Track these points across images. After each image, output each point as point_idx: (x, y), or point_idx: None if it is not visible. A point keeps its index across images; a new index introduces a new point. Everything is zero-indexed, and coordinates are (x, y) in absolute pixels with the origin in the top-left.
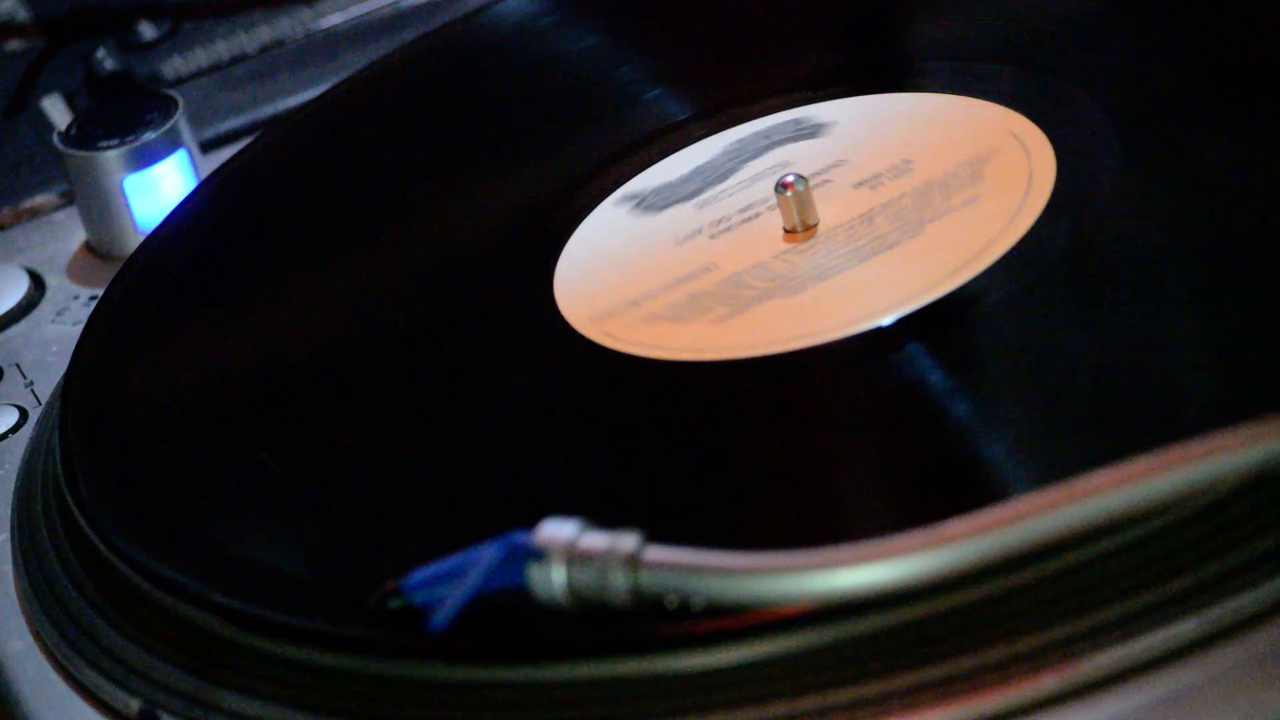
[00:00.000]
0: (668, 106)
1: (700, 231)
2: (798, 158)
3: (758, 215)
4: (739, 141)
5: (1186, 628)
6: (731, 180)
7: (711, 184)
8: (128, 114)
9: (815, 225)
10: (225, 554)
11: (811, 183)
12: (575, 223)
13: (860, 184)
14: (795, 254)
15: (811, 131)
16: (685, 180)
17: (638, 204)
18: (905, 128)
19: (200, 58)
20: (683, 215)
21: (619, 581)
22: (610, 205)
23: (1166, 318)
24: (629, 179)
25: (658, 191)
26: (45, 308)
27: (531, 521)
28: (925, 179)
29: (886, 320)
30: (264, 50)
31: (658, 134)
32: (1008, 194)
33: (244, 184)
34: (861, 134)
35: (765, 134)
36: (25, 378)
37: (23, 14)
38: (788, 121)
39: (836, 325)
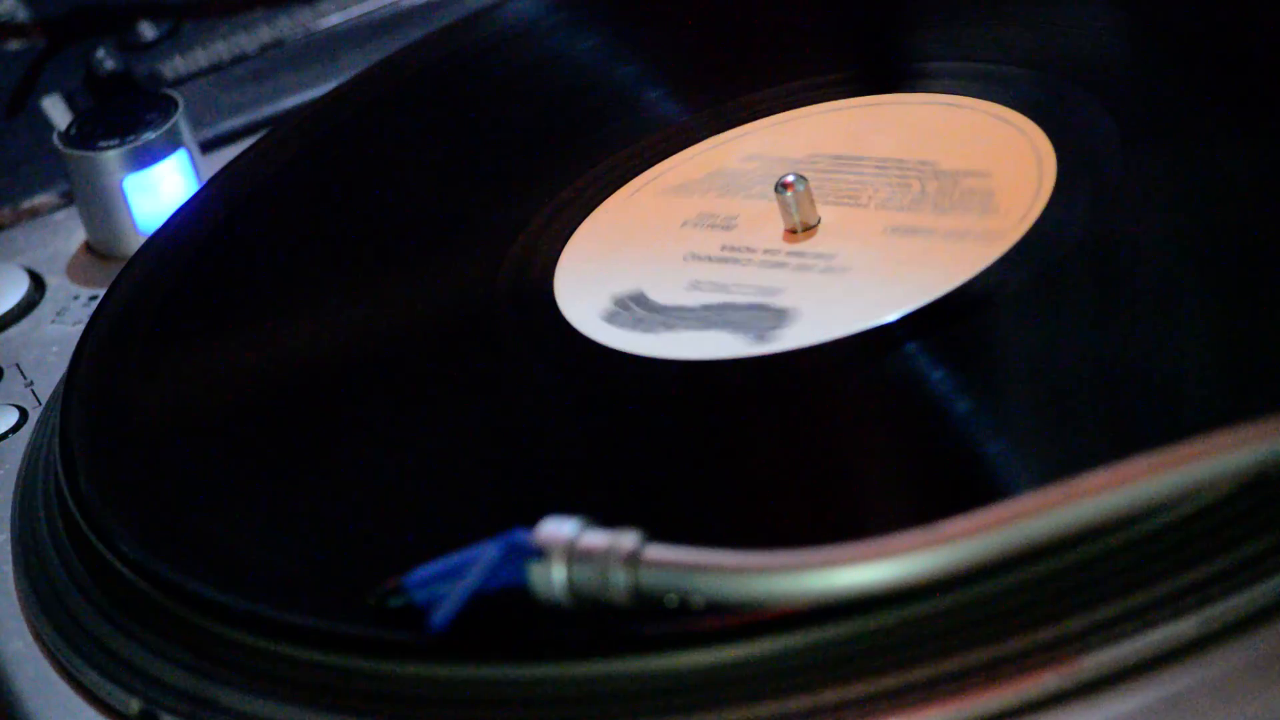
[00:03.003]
0: (669, 107)
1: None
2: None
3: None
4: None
5: (1186, 628)
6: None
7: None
8: (128, 114)
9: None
10: (225, 554)
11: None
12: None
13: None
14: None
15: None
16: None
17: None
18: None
19: (200, 58)
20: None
21: (619, 580)
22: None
23: (1167, 317)
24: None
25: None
26: (45, 308)
27: (532, 520)
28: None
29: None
30: (264, 50)
31: (657, 135)
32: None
33: (245, 185)
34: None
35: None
36: (25, 378)
37: (23, 14)
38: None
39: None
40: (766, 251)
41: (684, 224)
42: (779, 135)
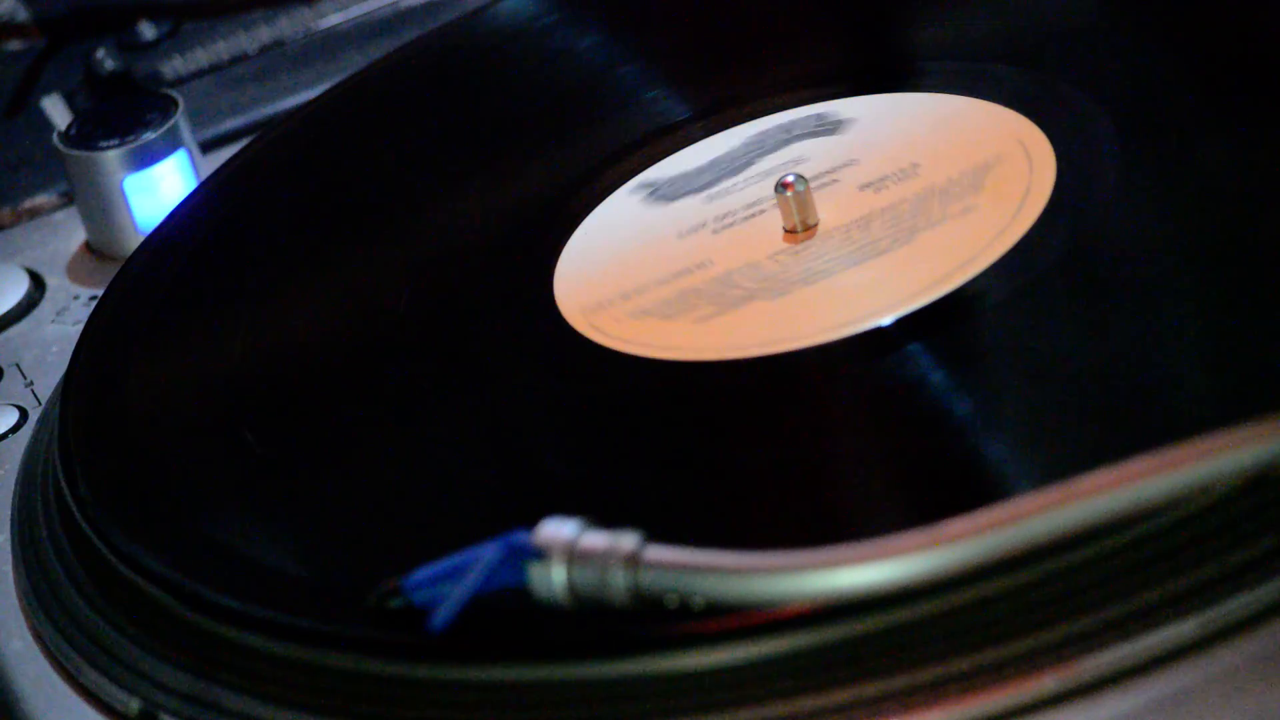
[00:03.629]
0: (668, 106)
1: (704, 225)
2: (813, 154)
3: (762, 212)
4: (761, 134)
5: (1186, 628)
6: (744, 174)
7: (726, 176)
8: (128, 114)
9: (815, 225)
10: (225, 554)
11: (819, 181)
12: (576, 222)
13: (865, 186)
14: (788, 255)
15: (831, 128)
16: (701, 171)
17: (651, 193)
18: (916, 129)
19: (200, 58)
20: (692, 207)
21: (619, 581)
22: (624, 194)
23: (1166, 318)
24: (628, 179)
25: (673, 181)
26: (45, 308)
27: (532, 521)
28: (928, 185)
29: (884, 320)
30: (264, 50)
31: (658, 134)
32: (1004, 201)
33: (244, 184)
34: (877, 134)
35: (787, 128)
36: (25, 378)
37: (23, 14)
38: (810, 116)
39: (818, 329)
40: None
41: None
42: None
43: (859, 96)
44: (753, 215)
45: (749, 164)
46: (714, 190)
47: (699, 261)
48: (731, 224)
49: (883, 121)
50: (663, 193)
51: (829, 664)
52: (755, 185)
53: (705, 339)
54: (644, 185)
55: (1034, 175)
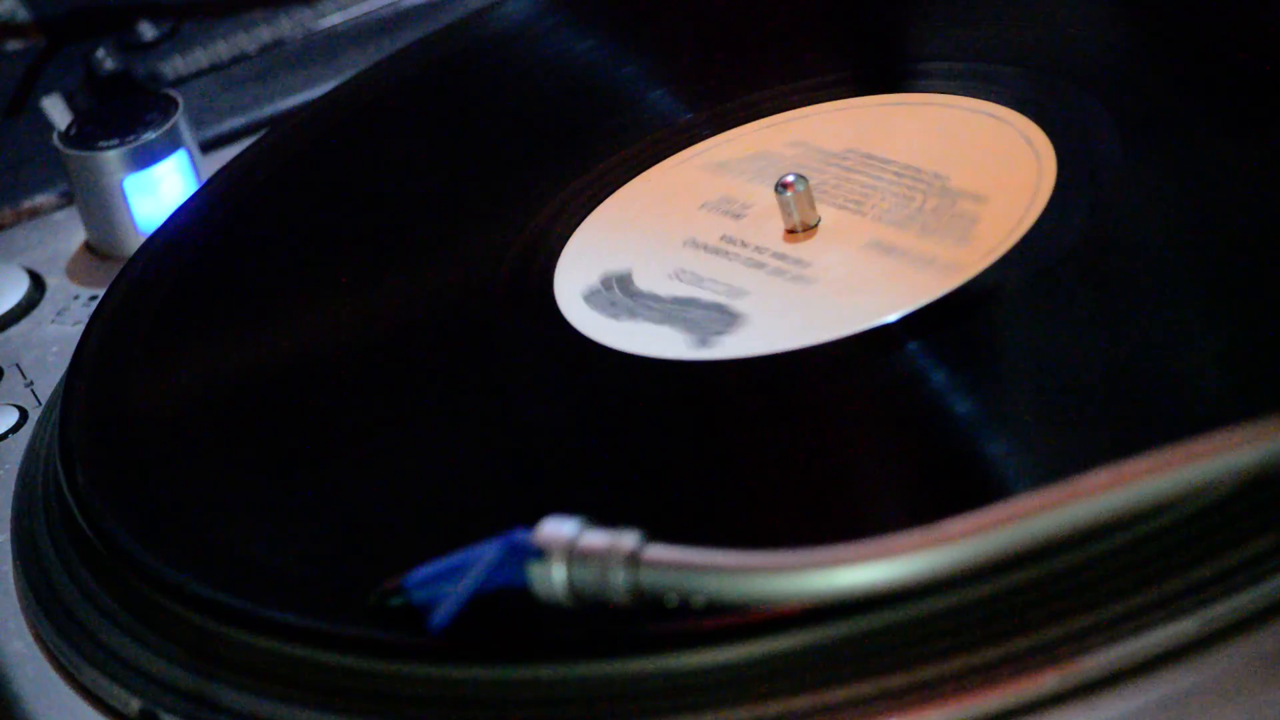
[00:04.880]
0: (668, 107)
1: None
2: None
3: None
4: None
5: (1186, 628)
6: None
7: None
8: (128, 114)
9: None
10: (225, 554)
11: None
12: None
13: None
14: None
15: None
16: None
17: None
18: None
19: (200, 58)
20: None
21: (619, 580)
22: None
23: (1167, 317)
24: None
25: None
26: (45, 308)
27: (532, 520)
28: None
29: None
30: (264, 50)
31: (656, 135)
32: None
33: (245, 185)
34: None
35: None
36: (25, 378)
37: (23, 14)
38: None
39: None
40: (756, 249)
41: (703, 205)
42: (824, 125)
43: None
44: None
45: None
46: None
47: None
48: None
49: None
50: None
51: (829, 663)
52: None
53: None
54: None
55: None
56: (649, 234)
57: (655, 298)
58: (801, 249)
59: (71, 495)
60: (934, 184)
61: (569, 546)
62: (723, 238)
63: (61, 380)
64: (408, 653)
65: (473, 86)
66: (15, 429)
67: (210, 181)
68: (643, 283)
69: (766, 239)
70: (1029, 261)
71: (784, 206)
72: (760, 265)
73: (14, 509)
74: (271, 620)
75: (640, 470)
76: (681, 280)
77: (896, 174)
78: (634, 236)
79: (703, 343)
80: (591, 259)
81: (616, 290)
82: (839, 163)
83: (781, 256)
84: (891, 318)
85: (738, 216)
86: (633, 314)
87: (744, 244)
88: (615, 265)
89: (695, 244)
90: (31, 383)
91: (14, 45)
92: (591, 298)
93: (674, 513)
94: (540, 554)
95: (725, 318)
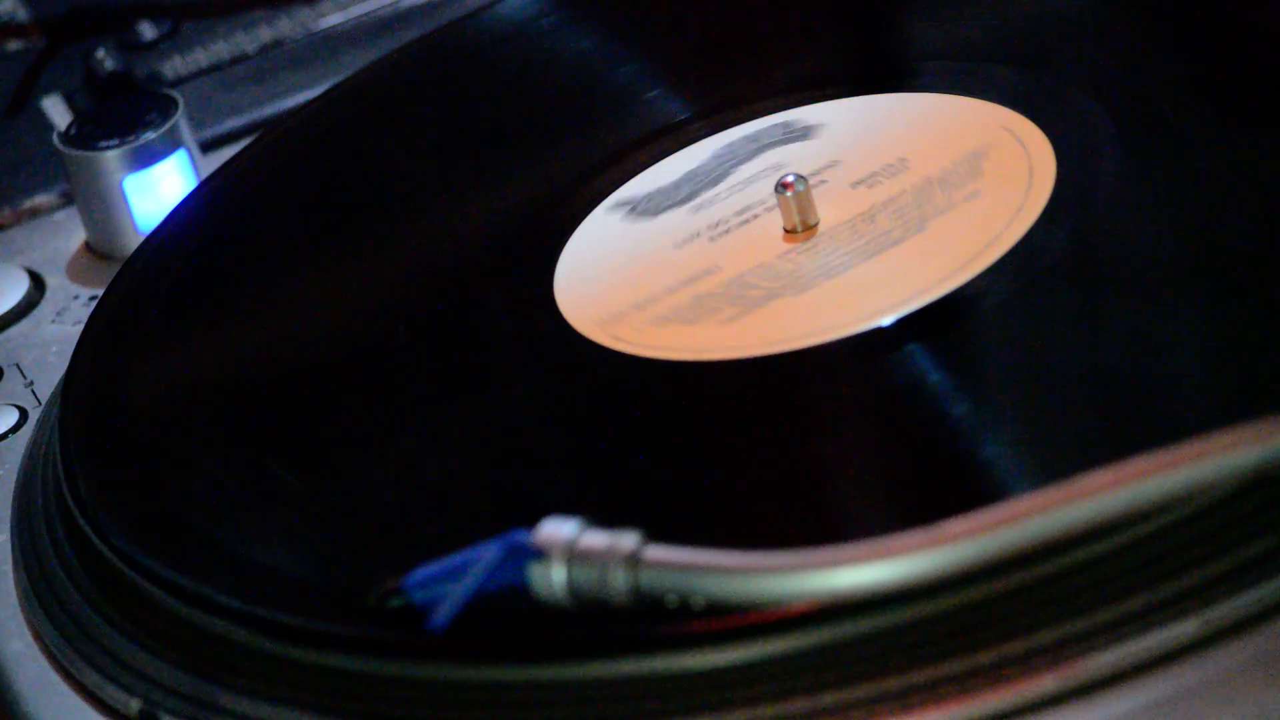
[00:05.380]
0: (665, 107)
1: (699, 235)
2: (790, 159)
3: (756, 217)
4: (728, 146)
5: (1186, 628)
6: (724, 184)
7: (704, 188)
8: (128, 114)
9: (816, 225)
10: (225, 554)
11: (811, 183)
12: (575, 223)
13: (858, 183)
14: (799, 253)
15: (801, 134)
16: (677, 185)
17: (631, 210)
18: (899, 127)
19: (200, 58)
20: (678, 220)
21: (619, 581)
22: (602, 212)
23: (1166, 317)
24: (628, 179)
25: (650, 197)
26: (45, 308)
27: (532, 521)
28: (924, 176)
29: (888, 320)
30: (264, 50)
31: (656, 135)
32: (1010, 189)
33: (244, 184)
34: (853, 134)
35: (754, 138)
36: (25, 378)
37: (23, 14)
38: (776, 125)
39: (845, 322)
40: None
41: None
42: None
43: (826, 102)
44: (747, 221)
45: (725, 175)
46: (697, 202)
47: (705, 268)
48: (728, 230)
49: (855, 123)
50: (643, 209)
51: (829, 664)
52: (740, 193)
53: (736, 338)
54: (622, 203)
55: (1032, 157)
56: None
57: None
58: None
59: (71, 495)
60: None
61: (569, 547)
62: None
63: (61, 380)
64: (408, 653)
65: (472, 86)
66: (15, 429)
67: (209, 181)
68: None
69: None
70: (1029, 261)
71: (784, 206)
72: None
73: (14, 509)
74: (271, 620)
75: (640, 470)
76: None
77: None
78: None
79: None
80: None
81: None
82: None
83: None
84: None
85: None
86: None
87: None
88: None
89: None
90: (31, 383)
91: (14, 45)
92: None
93: (674, 513)
94: (540, 554)
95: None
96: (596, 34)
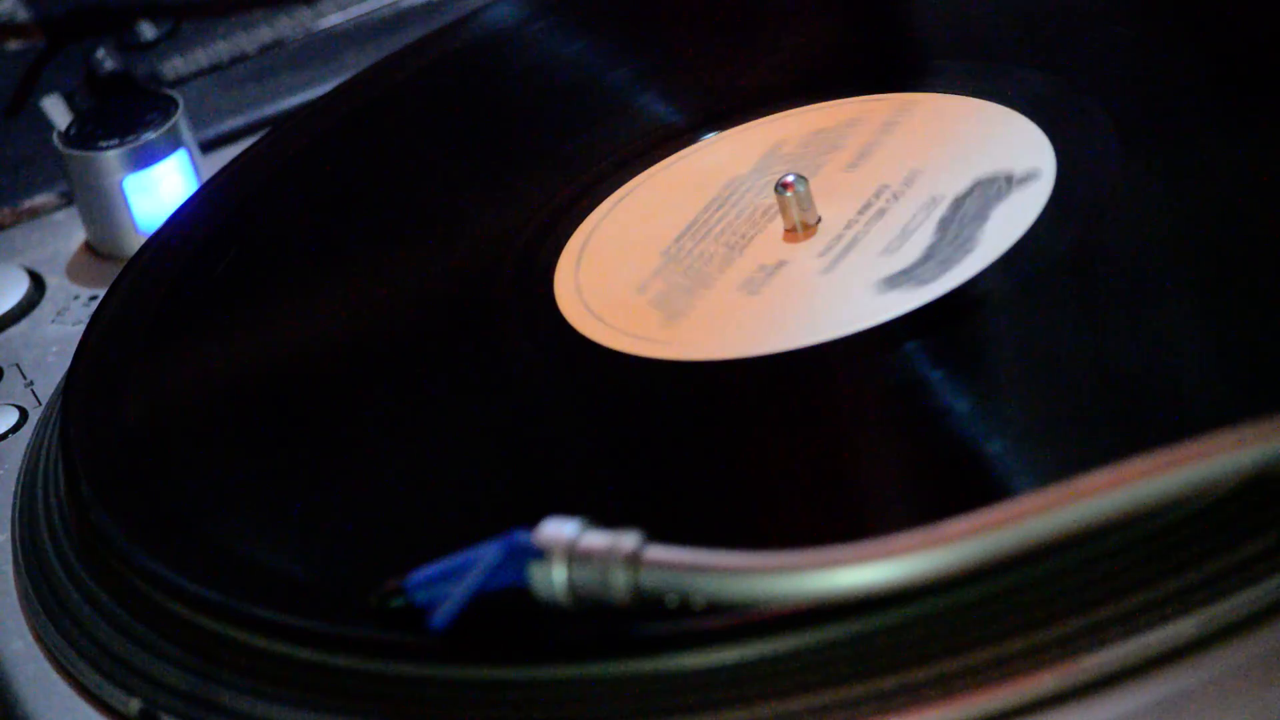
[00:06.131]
0: (665, 109)
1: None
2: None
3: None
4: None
5: (1186, 628)
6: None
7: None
8: (128, 114)
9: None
10: (225, 554)
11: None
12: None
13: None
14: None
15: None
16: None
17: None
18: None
19: (200, 58)
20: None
21: (619, 581)
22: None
23: (1167, 317)
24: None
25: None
26: (45, 308)
27: (532, 521)
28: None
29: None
30: (264, 50)
31: (655, 136)
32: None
33: (245, 185)
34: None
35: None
36: (25, 378)
37: (23, 14)
38: None
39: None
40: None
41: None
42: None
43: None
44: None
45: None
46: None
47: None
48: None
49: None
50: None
51: (828, 664)
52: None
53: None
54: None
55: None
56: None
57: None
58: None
59: (71, 495)
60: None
61: (569, 547)
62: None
63: (61, 380)
64: (408, 653)
65: (472, 86)
66: (15, 429)
67: (210, 181)
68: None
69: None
70: (1029, 261)
71: (784, 206)
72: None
73: (14, 509)
74: (272, 620)
75: (640, 470)
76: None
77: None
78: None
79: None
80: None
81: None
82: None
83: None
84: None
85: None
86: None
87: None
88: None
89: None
90: (31, 383)
91: (14, 45)
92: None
93: (674, 513)
94: (541, 554)
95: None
96: (597, 34)
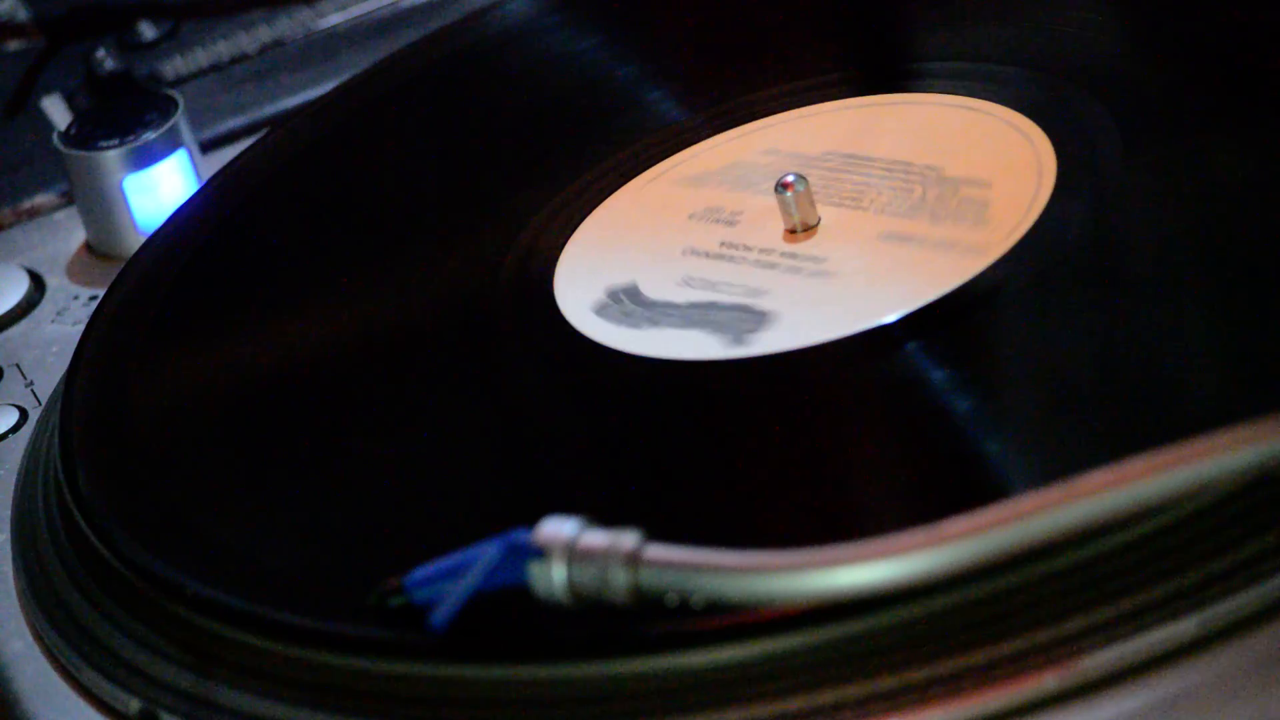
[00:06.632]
0: (668, 108)
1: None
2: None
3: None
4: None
5: (1186, 628)
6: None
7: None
8: (128, 114)
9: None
10: (225, 554)
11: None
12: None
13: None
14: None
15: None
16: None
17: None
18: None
19: (200, 58)
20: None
21: (619, 580)
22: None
23: (1167, 318)
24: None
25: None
26: (45, 308)
27: (532, 520)
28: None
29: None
30: (264, 50)
31: (657, 135)
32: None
33: (246, 185)
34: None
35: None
36: (25, 378)
37: (23, 14)
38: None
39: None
40: (762, 251)
41: (690, 216)
42: (797, 131)
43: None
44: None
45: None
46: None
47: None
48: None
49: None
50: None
51: (828, 663)
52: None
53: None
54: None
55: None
56: (641, 246)
57: (671, 305)
58: (812, 246)
59: (71, 495)
60: (929, 175)
61: (569, 546)
62: (722, 243)
63: (61, 380)
64: (408, 653)
65: (472, 86)
66: (15, 429)
67: (210, 181)
68: (652, 292)
69: (768, 241)
70: (1031, 260)
71: (784, 207)
72: (772, 265)
73: (14, 509)
74: (271, 620)
75: (640, 470)
76: (693, 286)
77: (886, 170)
78: (626, 250)
79: (738, 341)
80: (588, 273)
81: (627, 302)
82: (820, 165)
83: (792, 255)
84: (894, 316)
85: (731, 223)
86: (654, 323)
87: (746, 247)
88: (616, 279)
89: (695, 251)
90: (31, 383)
91: (14, 45)
92: (603, 311)
93: (674, 513)
94: (540, 554)
95: (753, 316)
96: (598, 34)
